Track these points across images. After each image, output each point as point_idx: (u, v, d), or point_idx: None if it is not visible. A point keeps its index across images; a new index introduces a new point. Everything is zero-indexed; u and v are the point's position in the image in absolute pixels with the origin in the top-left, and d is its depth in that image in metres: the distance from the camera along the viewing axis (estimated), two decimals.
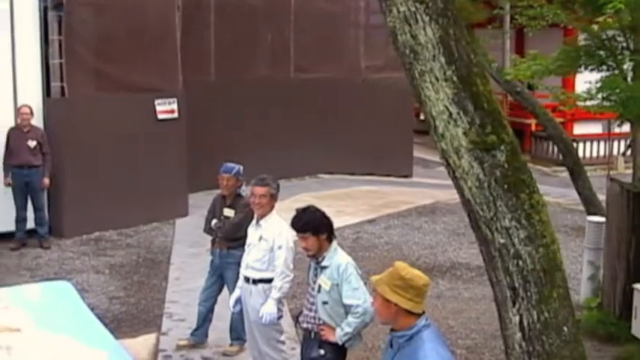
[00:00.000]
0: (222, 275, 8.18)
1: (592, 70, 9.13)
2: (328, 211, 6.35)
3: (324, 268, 6.07)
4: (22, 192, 11.84)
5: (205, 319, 8.35)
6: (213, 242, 8.28)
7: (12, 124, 11.97)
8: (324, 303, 6.05)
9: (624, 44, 8.79)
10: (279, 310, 7.00)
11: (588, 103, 9.38)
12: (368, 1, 17.93)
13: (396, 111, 17.95)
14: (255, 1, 16.36)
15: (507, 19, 15.19)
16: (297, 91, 16.80)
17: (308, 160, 16.97)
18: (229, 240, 8.01)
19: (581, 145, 19.71)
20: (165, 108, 13.42)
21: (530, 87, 13.29)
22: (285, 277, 6.94)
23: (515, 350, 5.14)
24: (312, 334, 6.18)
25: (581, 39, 9.75)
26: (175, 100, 13.51)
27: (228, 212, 8.10)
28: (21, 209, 11.88)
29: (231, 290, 7.70)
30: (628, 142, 18.38)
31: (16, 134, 11.79)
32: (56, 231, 12.42)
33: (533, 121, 19.45)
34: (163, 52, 13.37)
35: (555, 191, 15.99)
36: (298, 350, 6.95)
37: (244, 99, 15.92)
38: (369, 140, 17.60)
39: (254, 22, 16.37)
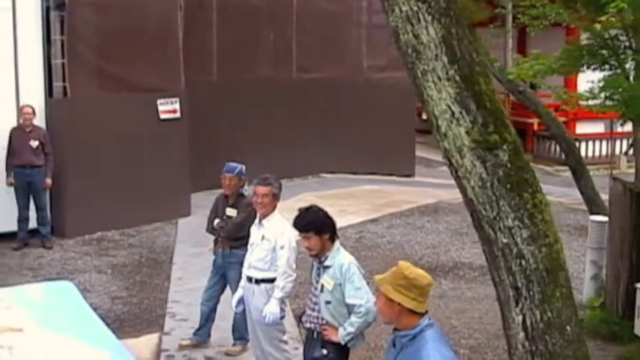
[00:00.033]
0: (225, 275, 8.18)
1: (594, 69, 9.13)
2: (331, 211, 6.34)
3: (327, 267, 6.06)
4: (25, 192, 11.85)
5: (208, 318, 8.35)
6: (215, 242, 8.28)
7: (14, 124, 11.98)
8: (327, 303, 6.04)
9: (627, 43, 8.78)
10: (282, 309, 7.00)
11: (591, 102, 9.38)
12: (370, 1, 17.94)
13: (398, 110, 17.95)
14: (257, 1, 16.36)
15: (509, 18, 15.19)
16: (300, 90, 16.80)
17: (310, 159, 16.97)
18: (232, 240, 8.01)
19: (583, 144, 19.71)
20: (168, 108, 13.42)
21: (532, 86, 13.29)
22: (288, 276, 6.93)
23: (518, 350, 5.13)
24: (315, 334, 6.17)
25: (584, 38, 9.75)
26: (178, 100, 13.51)
27: (231, 212, 8.10)
28: (23, 209, 11.89)
29: (234, 290, 7.70)
30: (630, 141, 18.38)
31: (19, 134, 11.80)
32: (58, 231, 12.43)
33: (535, 121, 19.45)
34: (166, 52, 13.37)
35: (558, 190, 15.98)
36: (301, 350, 6.94)
37: (247, 99, 15.92)
38: (371, 140, 17.60)
39: (256, 22, 16.38)
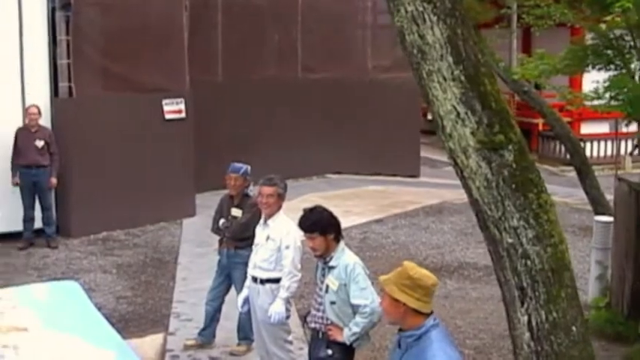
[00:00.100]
0: (230, 275, 8.18)
1: (599, 69, 9.11)
2: (335, 211, 6.34)
3: (332, 268, 6.06)
4: (30, 192, 11.87)
5: (213, 318, 8.36)
6: (220, 242, 8.29)
7: (20, 124, 12.01)
8: (332, 303, 6.04)
9: (632, 43, 8.75)
10: (287, 309, 7.00)
11: (596, 102, 9.36)
12: (375, 1, 17.93)
13: (403, 111, 17.93)
14: (262, 1, 16.37)
15: (514, 18, 15.16)
16: (305, 91, 16.81)
17: (315, 160, 16.97)
18: (237, 240, 8.01)
19: (588, 144, 19.67)
20: (173, 108, 13.44)
21: (537, 86, 13.26)
22: (293, 276, 6.94)
23: (524, 350, 5.13)
24: (320, 334, 6.17)
25: (588, 38, 9.73)
26: (183, 100, 13.52)
27: (236, 212, 8.10)
28: (28, 209, 11.91)
29: (239, 290, 7.70)
30: (635, 141, 18.36)
31: (24, 134, 11.82)
32: (64, 231, 12.45)
33: (540, 121, 19.40)
34: (171, 52, 13.38)
35: (563, 191, 15.96)
36: (306, 350, 6.95)
37: (252, 99, 15.93)
38: (376, 140, 17.60)
39: (261, 22, 16.38)
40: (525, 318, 5.08)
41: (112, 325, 4.66)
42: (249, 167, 8.14)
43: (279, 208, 7.10)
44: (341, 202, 14.33)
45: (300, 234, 6.56)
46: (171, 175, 13.31)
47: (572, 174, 13.25)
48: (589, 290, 9.72)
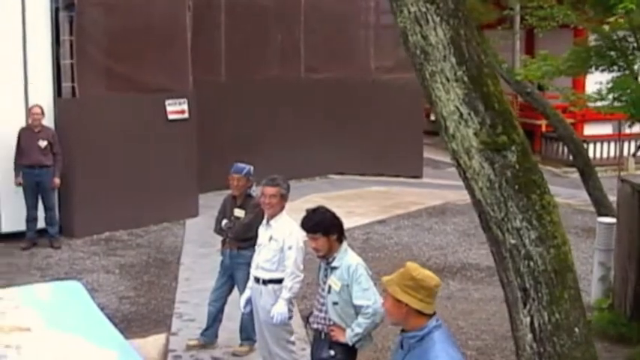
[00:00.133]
0: (233, 276, 8.18)
1: (603, 70, 9.11)
2: (338, 212, 6.34)
3: (335, 268, 6.06)
4: (33, 192, 11.88)
5: (215, 319, 8.36)
6: (223, 242, 8.29)
7: (23, 124, 12.01)
8: (335, 304, 6.04)
9: (635, 44, 8.75)
10: (290, 310, 7.00)
11: (599, 103, 9.36)
12: (378, 2, 17.93)
13: (406, 112, 17.93)
14: (265, 1, 16.38)
15: (517, 19, 15.17)
16: (308, 91, 16.81)
17: (318, 160, 16.97)
18: (240, 240, 8.01)
19: (591, 145, 19.66)
20: (176, 108, 13.44)
21: (540, 88, 13.26)
22: (296, 277, 6.93)
23: (526, 351, 5.13)
24: (323, 335, 6.17)
25: (592, 39, 9.73)
26: (186, 100, 13.53)
27: (239, 212, 8.10)
28: (32, 209, 11.92)
29: (242, 291, 7.70)
30: (638, 142, 18.35)
31: (27, 134, 11.83)
32: (67, 231, 12.46)
33: (543, 122, 19.41)
34: (174, 53, 13.39)
35: (566, 192, 15.95)
36: (308, 351, 6.94)
37: (255, 99, 15.93)
38: (379, 141, 17.60)
39: (264, 22, 16.40)
40: (528, 319, 5.08)
41: (115, 325, 4.66)
42: (252, 168, 8.14)
43: (282, 208, 7.10)
44: (344, 203, 14.33)
45: (302, 234, 6.55)
46: (174, 176, 13.32)
47: (575, 175, 13.26)
48: (592, 292, 9.72)
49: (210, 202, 12.18)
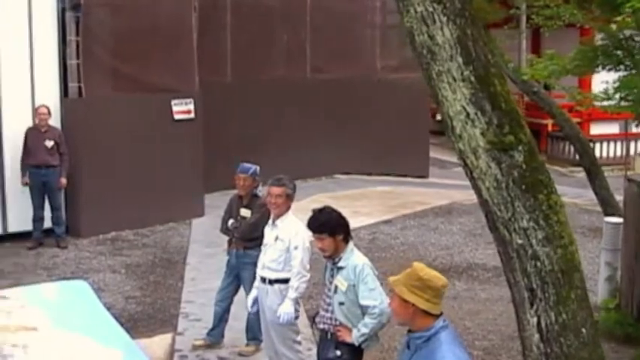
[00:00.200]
0: (239, 275, 8.18)
1: (609, 70, 9.08)
2: (344, 212, 6.34)
3: (341, 268, 6.05)
4: (40, 192, 11.90)
5: (221, 319, 8.36)
6: (229, 242, 8.29)
7: (30, 124, 12.03)
8: (341, 304, 6.04)
9: None
10: (296, 310, 7.00)
11: (605, 103, 9.33)
12: (384, 1, 17.93)
13: (412, 111, 17.92)
14: (271, 1, 16.37)
15: (523, 19, 15.14)
16: (313, 91, 16.81)
17: (324, 160, 16.96)
18: (246, 240, 8.01)
19: (597, 145, 19.62)
20: (182, 108, 13.45)
21: (546, 87, 13.24)
22: (302, 277, 6.93)
23: (533, 352, 5.11)
24: (329, 335, 6.17)
25: (598, 39, 9.70)
26: (192, 100, 13.54)
27: (245, 212, 8.10)
28: (38, 209, 11.94)
29: (248, 290, 7.70)
30: None
31: (34, 134, 11.85)
32: (73, 230, 12.47)
33: (549, 122, 19.39)
34: (180, 53, 13.40)
35: (572, 192, 15.92)
36: (314, 351, 6.94)
37: (260, 99, 15.93)
38: (385, 141, 17.58)
39: (270, 22, 16.39)
40: (535, 319, 5.07)
41: (121, 324, 4.66)
42: (258, 167, 8.14)
43: (288, 208, 7.10)
44: (350, 203, 14.33)
45: (308, 234, 6.55)
46: (180, 176, 13.32)
47: (582, 175, 13.23)
48: (598, 292, 9.69)
49: (217, 202, 12.19)
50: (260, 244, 7.32)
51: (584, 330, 5.09)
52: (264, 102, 15.96)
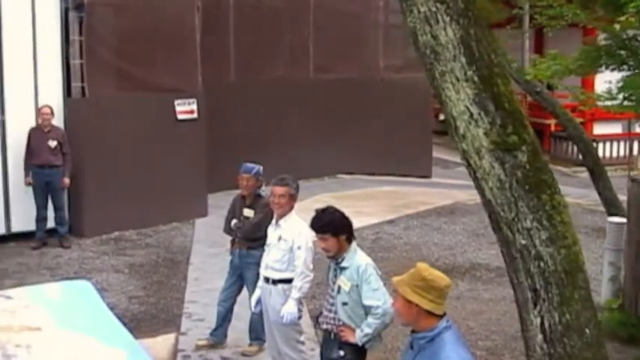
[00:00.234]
0: (242, 275, 8.18)
1: (612, 69, 9.07)
2: (347, 212, 6.33)
3: (344, 268, 6.05)
4: (43, 192, 11.91)
5: (224, 319, 8.36)
6: (232, 242, 8.29)
7: (33, 124, 12.05)
8: (344, 304, 6.03)
9: None
10: (299, 310, 7.00)
11: (608, 103, 9.32)
12: (387, 1, 17.92)
13: (415, 111, 17.92)
14: (274, 1, 16.38)
15: (527, 18, 15.12)
16: (317, 91, 16.81)
17: (327, 160, 16.96)
18: (249, 240, 8.01)
19: (601, 145, 19.61)
20: (185, 108, 13.46)
21: (549, 87, 13.23)
22: (305, 277, 6.93)
23: (537, 352, 5.11)
24: (332, 335, 6.16)
25: (601, 39, 9.70)
26: (195, 100, 13.54)
27: (248, 212, 8.10)
28: (41, 209, 11.95)
29: (251, 291, 7.71)
30: None
31: (37, 134, 11.86)
32: (76, 230, 12.48)
33: (552, 122, 19.38)
34: (183, 53, 13.41)
35: (575, 192, 15.91)
36: (318, 351, 6.93)
37: (264, 99, 15.94)
38: (388, 140, 17.58)
39: (273, 22, 16.38)
40: (538, 320, 5.06)
41: (124, 324, 4.66)
42: (261, 167, 8.14)
43: (291, 208, 7.10)
44: (353, 203, 14.31)
45: (312, 234, 6.55)
46: (183, 176, 13.33)
47: (585, 175, 13.22)
48: (602, 292, 9.68)
49: (220, 202, 12.20)
50: (263, 244, 7.32)
51: (587, 330, 5.08)
52: (267, 102, 15.97)
